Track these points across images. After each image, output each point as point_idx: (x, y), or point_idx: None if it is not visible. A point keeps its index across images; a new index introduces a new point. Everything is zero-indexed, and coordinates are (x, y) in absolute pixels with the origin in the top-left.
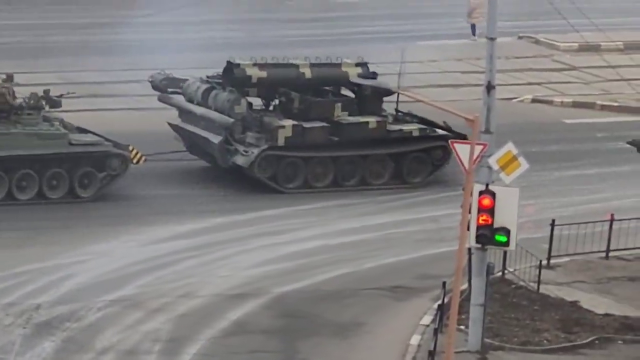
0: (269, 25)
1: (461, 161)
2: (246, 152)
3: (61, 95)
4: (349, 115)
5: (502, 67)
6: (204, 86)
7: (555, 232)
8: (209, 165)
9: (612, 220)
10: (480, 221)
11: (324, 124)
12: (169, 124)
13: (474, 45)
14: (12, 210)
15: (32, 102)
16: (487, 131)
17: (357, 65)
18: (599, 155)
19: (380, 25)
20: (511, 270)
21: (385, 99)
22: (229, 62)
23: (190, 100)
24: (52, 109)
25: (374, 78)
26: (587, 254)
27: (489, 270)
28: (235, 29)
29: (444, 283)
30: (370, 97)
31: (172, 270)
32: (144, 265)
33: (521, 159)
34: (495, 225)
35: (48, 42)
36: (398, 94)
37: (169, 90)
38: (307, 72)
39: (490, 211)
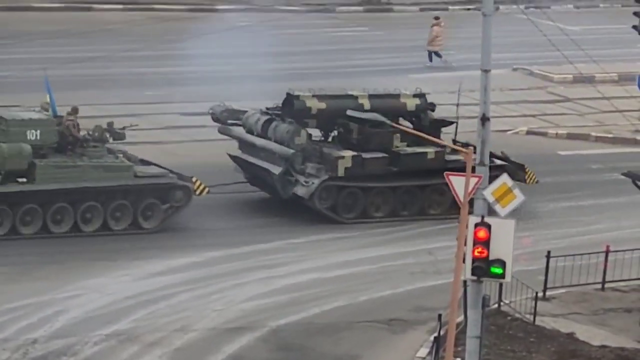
0: (259, 59)
1: (456, 193)
2: (307, 182)
3: (124, 128)
4: (407, 145)
5: (497, 99)
6: (264, 118)
7: (551, 263)
8: (269, 195)
9: (607, 252)
10: (476, 253)
11: (383, 154)
12: (229, 155)
13: (468, 77)
14: (5, 245)
15: (96, 134)
16: (482, 163)
17: (414, 96)
18: (594, 186)
19: (370, 59)
20: (507, 302)
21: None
22: (288, 94)
23: (250, 132)
24: (116, 141)
25: (432, 110)
26: (583, 285)
27: (485, 302)
28: (224, 63)
29: (440, 315)
30: (428, 127)
31: (166, 304)
32: (138, 299)
33: (516, 191)
34: (491, 258)
35: (110, 74)
36: (456, 124)
37: (229, 122)
38: (366, 103)
39: (486, 243)
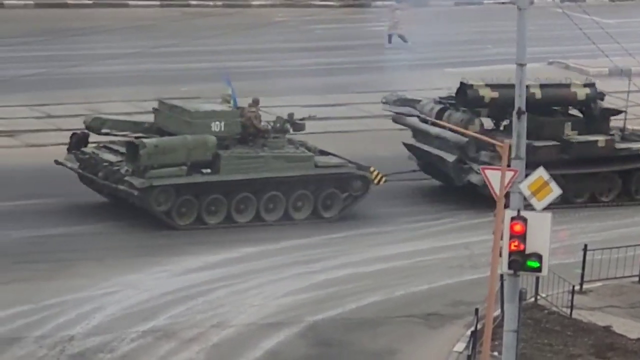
0: (294, 54)
1: (492, 187)
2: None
3: (303, 119)
4: (578, 134)
5: None
6: (438, 107)
7: (588, 257)
8: (442, 184)
9: None
10: (512, 247)
11: (554, 142)
12: (404, 143)
13: (502, 71)
14: (45, 242)
15: (277, 125)
16: (518, 157)
17: (585, 85)
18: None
19: (405, 53)
20: (543, 296)
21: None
22: (462, 83)
23: (424, 121)
24: (296, 132)
25: (602, 98)
26: (620, 278)
27: (522, 296)
28: (258, 59)
29: (477, 310)
30: (598, 116)
31: (203, 300)
32: (175, 296)
33: (553, 185)
34: (528, 251)
35: (145, 70)
36: (625, 113)
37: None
38: (538, 93)
39: (522, 237)
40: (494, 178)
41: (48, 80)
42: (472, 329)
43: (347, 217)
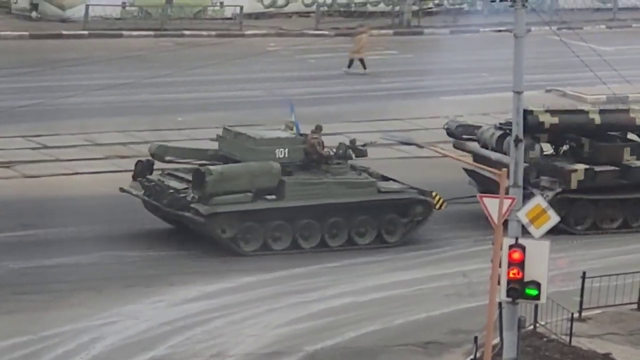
0: (287, 83)
1: (490, 215)
2: (541, 195)
3: (365, 145)
4: (637, 159)
5: None
6: (498, 132)
7: (587, 284)
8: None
9: None
10: (511, 275)
11: (614, 167)
12: (464, 169)
13: (499, 99)
14: (37, 274)
15: (340, 151)
16: (516, 185)
17: None
18: None
19: (399, 82)
20: (542, 323)
21: None
22: (523, 110)
23: (485, 146)
24: (358, 158)
25: None
26: (619, 305)
27: (520, 324)
28: (252, 88)
29: (476, 338)
30: None
31: (202, 330)
32: (174, 326)
33: (551, 212)
34: (526, 279)
35: (140, 100)
36: None
37: (464, 136)
38: (597, 118)
39: (521, 265)
40: (492, 206)
41: (43, 110)
42: (472, 357)
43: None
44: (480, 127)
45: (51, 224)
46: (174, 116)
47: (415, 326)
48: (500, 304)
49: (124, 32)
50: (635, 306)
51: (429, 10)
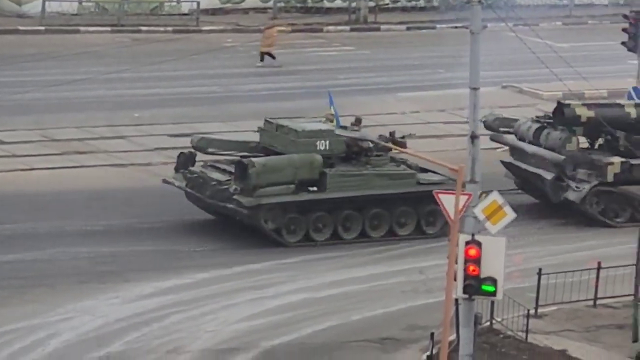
0: (244, 79)
1: (446, 211)
2: (578, 187)
3: (404, 137)
4: None
5: None
6: (535, 125)
7: (543, 281)
8: (537, 201)
9: (599, 268)
10: (467, 271)
11: None
12: (502, 162)
13: (455, 95)
14: None
15: (380, 144)
16: (472, 181)
17: None
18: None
19: (356, 78)
20: (499, 320)
21: None
22: (559, 103)
23: (522, 139)
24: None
25: None
26: (575, 302)
27: (477, 320)
28: (209, 84)
29: (432, 334)
30: None
31: (158, 326)
32: (130, 322)
33: (507, 209)
34: (482, 275)
35: (96, 96)
36: None
37: (501, 129)
38: (633, 112)
39: (477, 261)
40: (448, 202)
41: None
42: (428, 353)
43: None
44: (517, 120)
45: (7, 219)
46: (131, 112)
47: (372, 322)
48: (456, 300)
49: (81, 28)
50: (591, 303)
51: (386, 6)
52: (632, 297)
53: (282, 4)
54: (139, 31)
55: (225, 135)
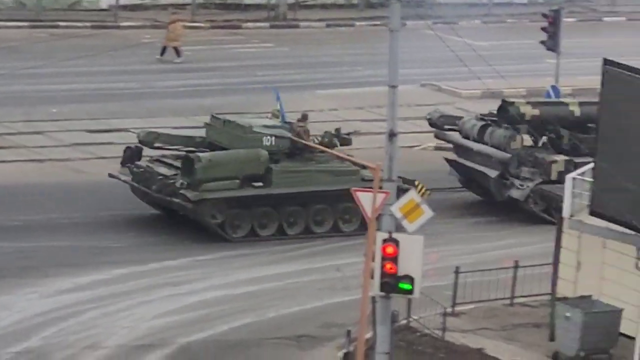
0: (162, 75)
1: (364, 209)
2: (522, 185)
3: (349, 134)
4: None
5: (405, 115)
6: (480, 123)
7: (460, 279)
8: (483, 199)
9: (516, 267)
10: (384, 269)
11: (593, 159)
12: (446, 159)
13: (374, 93)
14: None
15: (325, 140)
16: (390, 179)
17: None
18: (503, 202)
19: (274, 75)
20: (416, 318)
21: None
22: (504, 101)
23: (466, 137)
24: (343, 147)
25: None
26: (492, 301)
27: (394, 318)
28: (127, 80)
29: (349, 332)
30: None
31: (75, 321)
32: (47, 317)
33: (424, 207)
34: (400, 274)
35: (14, 91)
36: None
37: (445, 127)
38: (576, 110)
39: (394, 259)
40: (366, 200)
41: None
42: (344, 350)
43: (217, 238)
44: (461, 117)
45: None
46: (49, 107)
47: (288, 319)
48: (373, 298)
49: None
50: (508, 301)
51: (305, 3)
52: (549, 296)
53: (201, 0)
54: (57, 26)
55: (172, 131)
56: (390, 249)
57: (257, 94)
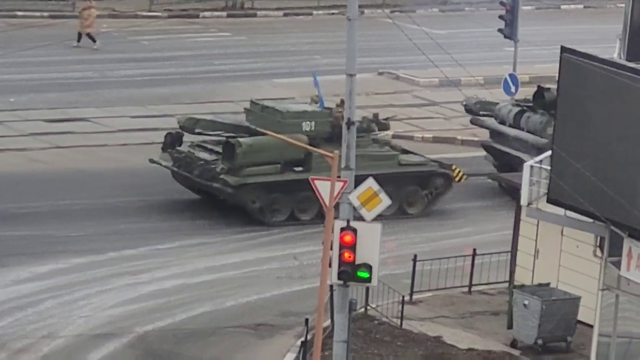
0: (119, 64)
1: (322, 198)
2: None
3: (387, 119)
4: None
5: (362, 104)
6: (516, 109)
7: (417, 267)
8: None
9: (474, 255)
10: (342, 258)
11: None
12: (482, 144)
13: (332, 81)
14: None
15: (363, 125)
16: (348, 168)
17: None
18: (461, 189)
19: (232, 64)
20: (374, 306)
21: None
22: (539, 87)
23: (502, 123)
24: (381, 132)
25: None
26: (450, 289)
27: (352, 306)
28: (84, 69)
29: (307, 320)
30: None
31: (32, 311)
32: (4, 307)
33: (382, 195)
34: (357, 262)
35: None
36: None
37: (482, 113)
38: None
39: (352, 247)
40: (324, 188)
41: None
42: (302, 339)
43: (175, 227)
44: (497, 103)
45: None
46: (6, 97)
47: (247, 308)
48: (331, 286)
49: None
50: (466, 289)
51: None
52: (507, 284)
53: None
54: (15, 16)
55: (212, 117)
56: (348, 237)
57: (214, 82)
